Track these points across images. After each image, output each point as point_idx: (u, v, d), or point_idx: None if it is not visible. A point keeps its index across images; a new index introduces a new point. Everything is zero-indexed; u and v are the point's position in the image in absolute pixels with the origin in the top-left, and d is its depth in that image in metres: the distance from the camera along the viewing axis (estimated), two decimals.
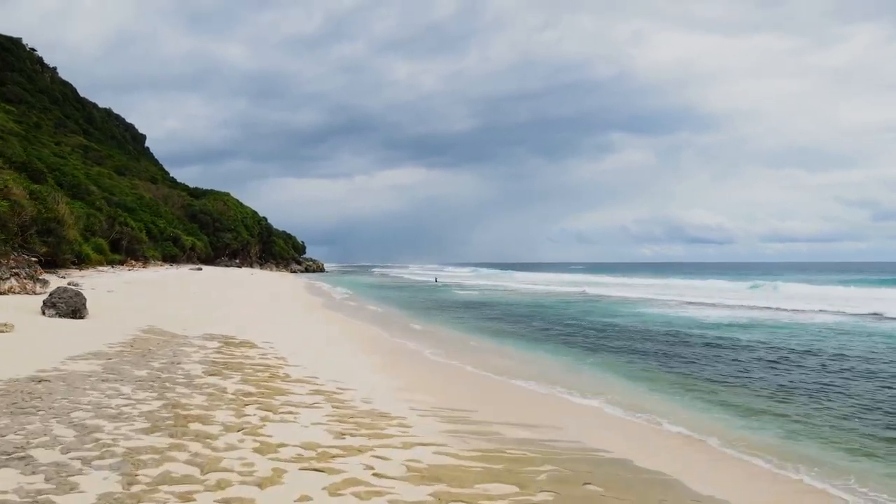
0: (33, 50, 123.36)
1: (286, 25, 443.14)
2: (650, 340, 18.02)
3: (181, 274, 42.02)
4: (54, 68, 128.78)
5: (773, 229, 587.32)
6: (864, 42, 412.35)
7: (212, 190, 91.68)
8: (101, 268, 35.11)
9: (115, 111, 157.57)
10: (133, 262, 42.03)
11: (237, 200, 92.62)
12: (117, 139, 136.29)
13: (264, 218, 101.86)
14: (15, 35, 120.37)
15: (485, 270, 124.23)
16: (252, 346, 13.16)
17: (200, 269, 52.59)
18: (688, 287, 47.86)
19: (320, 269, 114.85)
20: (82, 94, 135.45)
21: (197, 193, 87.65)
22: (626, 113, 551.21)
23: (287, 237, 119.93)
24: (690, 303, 32.54)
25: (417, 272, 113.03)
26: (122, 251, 43.96)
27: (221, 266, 72.24)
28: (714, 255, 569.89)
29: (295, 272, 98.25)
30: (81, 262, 33.50)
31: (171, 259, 59.57)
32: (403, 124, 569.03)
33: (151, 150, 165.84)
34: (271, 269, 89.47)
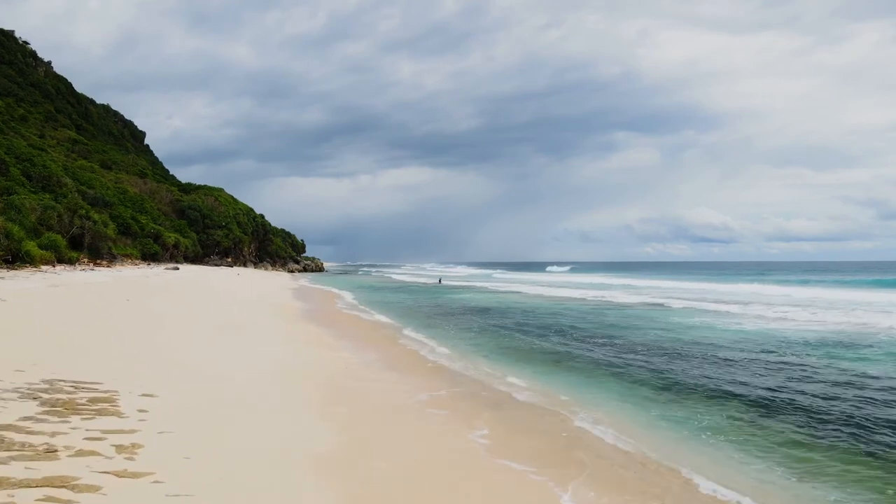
0: (26, 43, 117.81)
1: (290, 25, 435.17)
2: (756, 378, 12.00)
3: (148, 275, 36.10)
4: (49, 62, 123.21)
5: (779, 229, 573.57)
6: (872, 41, 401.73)
7: (205, 185, 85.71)
8: (45, 267, 29.22)
9: (121, 111, 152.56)
10: (89, 261, 36.09)
11: (231, 196, 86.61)
12: (115, 135, 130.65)
13: (261, 215, 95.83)
14: (20, 32, 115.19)
15: (475, 270, 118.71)
16: (103, 410, 7.19)
17: (177, 268, 46.68)
18: (722, 292, 41.78)
19: (320, 269, 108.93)
20: (88, 93, 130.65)
21: (188, 189, 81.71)
22: (632, 112, 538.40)
23: (286, 235, 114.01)
24: (730, 312, 26.53)
25: (420, 272, 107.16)
26: (84, 248, 38.06)
27: (210, 265, 66.37)
28: (719, 255, 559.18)
29: (293, 272, 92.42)
30: (17, 259, 27.60)
31: (151, 257, 53.70)
32: (408, 124, 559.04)
33: (154, 149, 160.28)
34: (266, 269, 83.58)
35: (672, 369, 12.72)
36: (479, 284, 56.82)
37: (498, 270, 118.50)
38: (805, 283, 52.34)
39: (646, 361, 13.68)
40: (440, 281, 64.87)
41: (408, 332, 19.46)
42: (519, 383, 11.31)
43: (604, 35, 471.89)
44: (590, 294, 39.31)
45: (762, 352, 15.05)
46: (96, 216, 40.92)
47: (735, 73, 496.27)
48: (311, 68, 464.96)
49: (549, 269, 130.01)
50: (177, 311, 19.64)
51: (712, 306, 28.24)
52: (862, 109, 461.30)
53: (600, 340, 17.30)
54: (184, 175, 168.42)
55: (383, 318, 23.78)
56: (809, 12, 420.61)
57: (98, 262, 37.33)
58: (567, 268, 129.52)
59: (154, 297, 24.27)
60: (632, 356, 14.43)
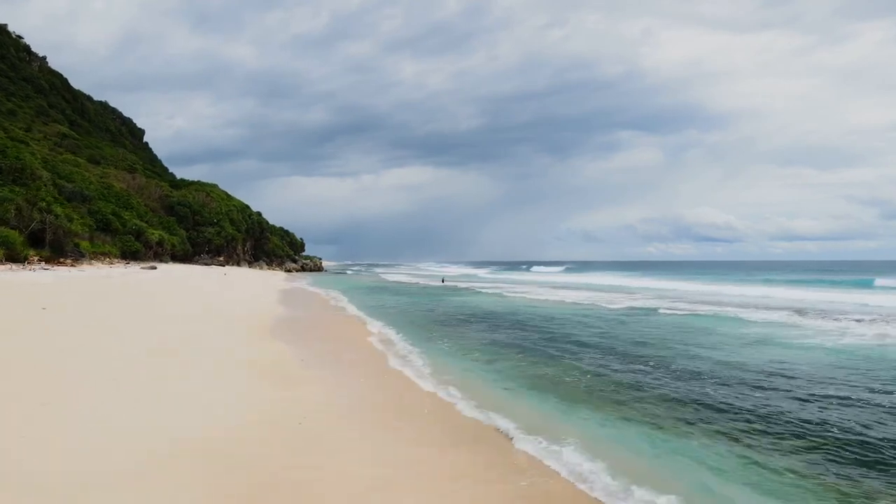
0: (20, 38, 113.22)
1: (293, 25, 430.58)
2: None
3: (114, 275, 31.48)
4: (44, 58, 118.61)
5: (782, 228, 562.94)
6: (874, 39, 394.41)
7: (197, 181, 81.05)
8: None
9: (124, 111, 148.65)
10: (42, 259, 31.42)
11: (224, 192, 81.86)
12: (112, 132, 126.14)
13: (258, 213, 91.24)
14: (23, 31, 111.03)
15: (469, 270, 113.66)
16: None
17: (154, 267, 42.10)
18: (754, 296, 37.15)
19: (319, 269, 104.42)
20: (90, 93, 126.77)
21: (179, 184, 77.08)
22: (634, 112, 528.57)
23: (284, 234, 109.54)
24: (787, 323, 22.03)
25: (417, 272, 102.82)
26: (46, 245, 33.46)
27: (200, 264, 61.81)
28: (722, 254, 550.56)
29: (290, 271, 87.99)
30: None
31: (132, 256, 49.10)
32: (410, 123, 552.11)
33: (157, 149, 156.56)
34: (261, 268, 79.01)
35: (794, 417, 8.12)
36: (480, 286, 52.22)
37: (487, 269, 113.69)
38: (835, 284, 47.63)
39: (738, 400, 9.08)
40: (443, 280, 60.30)
41: (401, 348, 14.88)
42: (586, 462, 6.68)
43: (605, 35, 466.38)
44: (605, 297, 34.72)
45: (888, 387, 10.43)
46: (60, 210, 36.25)
47: (737, 72, 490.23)
48: (313, 68, 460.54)
49: (534, 268, 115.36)
50: (107, 324, 15.06)
51: (765, 316, 23.60)
52: (864, 109, 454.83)
53: (652, 364, 12.67)
54: (187, 175, 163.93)
55: (374, 329, 19.20)
56: (810, 12, 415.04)
57: (61, 260, 32.77)
58: (562, 267, 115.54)
59: (98, 303, 19.72)
60: (714, 393, 9.82)
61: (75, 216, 39.11)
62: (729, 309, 25.95)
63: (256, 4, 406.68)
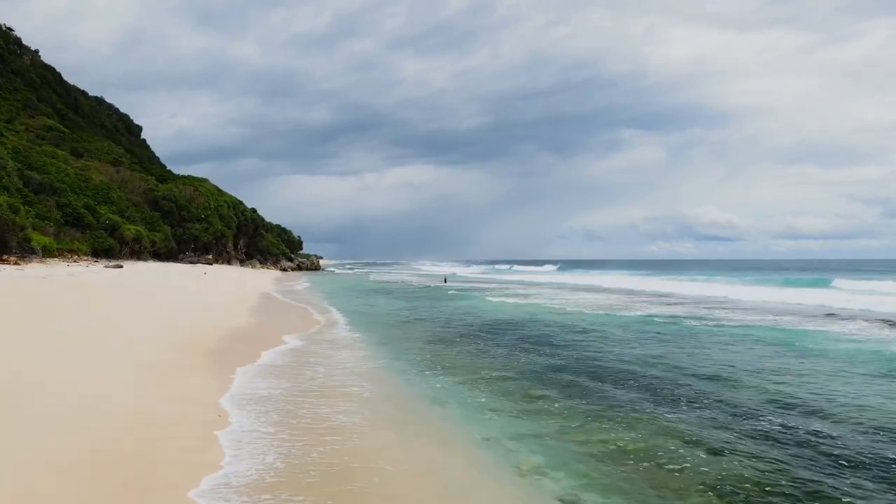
0: (10, 29, 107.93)
1: (296, 24, 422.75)
2: None
3: (59, 274, 26.34)
4: (36, 51, 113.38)
5: (785, 226, 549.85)
6: (879, 37, 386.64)
7: (186, 175, 75.87)
8: None
9: (126, 110, 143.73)
10: None
11: (215, 187, 76.57)
12: (107, 128, 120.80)
13: (252, 209, 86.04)
14: (24, 31, 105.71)
15: (462, 268, 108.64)
16: None
17: (120, 266, 37.00)
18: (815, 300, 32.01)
19: (316, 267, 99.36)
20: (94, 92, 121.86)
21: (166, 178, 71.84)
22: (638, 110, 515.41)
23: (281, 231, 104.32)
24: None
25: (421, 270, 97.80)
26: None
27: (185, 262, 56.70)
28: (724, 253, 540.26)
29: (286, 270, 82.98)
30: None
31: (105, 253, 43.94)
32: (413, 122, 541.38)
33: (159, 147, 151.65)
34: (254, 267, 73.87)
35: None
36: (482, 287, 47.10)
37: (481, 268, 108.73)
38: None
39: None
40: (445, 280, 55.12)
41: (388, 389, 9.85)
42: None
43: (609, 33, 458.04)
44: (627, 301, 29.78)
45: None
46: (2, 199, 31.12)
47: (741, 70, 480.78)
48: (316, 66, 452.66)
49: (514, 268, 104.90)
50: None
51: (845, 328, 18.57)
52: (869, 107, 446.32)
53: (792, 434, 7.60)
54: (189, 173, 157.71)
55: (355, 347, 14.17)
56: (814, 10, 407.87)
57: (3, 257, 27.73)
58: (556, 266, 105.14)
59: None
60: None
61: (23, 208, 33.89)
62: (788, 318, 20.92)
63: (259, 3, 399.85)
